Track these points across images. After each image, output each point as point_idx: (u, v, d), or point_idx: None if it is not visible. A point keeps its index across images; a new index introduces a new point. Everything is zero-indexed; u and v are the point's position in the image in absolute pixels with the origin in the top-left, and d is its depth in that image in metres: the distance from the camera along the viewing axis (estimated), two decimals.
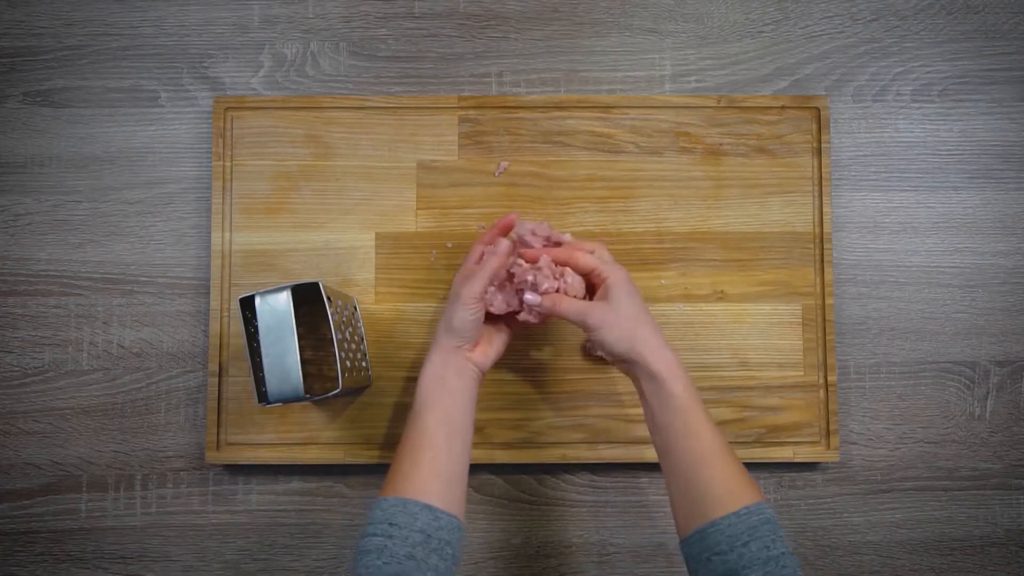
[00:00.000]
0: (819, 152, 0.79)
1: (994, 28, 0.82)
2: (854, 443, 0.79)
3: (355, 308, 0.76)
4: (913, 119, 0.82)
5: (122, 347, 0.78)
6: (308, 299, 0.67)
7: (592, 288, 0.67)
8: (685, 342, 0.77)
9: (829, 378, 0.77)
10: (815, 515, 0.79)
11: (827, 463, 0.79)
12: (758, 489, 0.57)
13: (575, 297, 0.66)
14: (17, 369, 0.78)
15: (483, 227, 0.78)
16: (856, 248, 0.80)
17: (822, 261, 0.78)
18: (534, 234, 0.68)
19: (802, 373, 0.77)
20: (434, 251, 0.78)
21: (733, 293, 0.78)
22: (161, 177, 0.80)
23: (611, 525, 0.78)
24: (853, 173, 0.81)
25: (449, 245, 0.78)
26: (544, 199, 0.78)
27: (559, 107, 0.79)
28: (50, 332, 0.78)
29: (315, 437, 0.76)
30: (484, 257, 0.66)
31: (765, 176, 0.79)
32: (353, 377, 0.70)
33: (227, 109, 0.78)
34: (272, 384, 0.62)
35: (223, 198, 0.78)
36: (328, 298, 0.66)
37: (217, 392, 0.76)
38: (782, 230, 0.78)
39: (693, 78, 0.82)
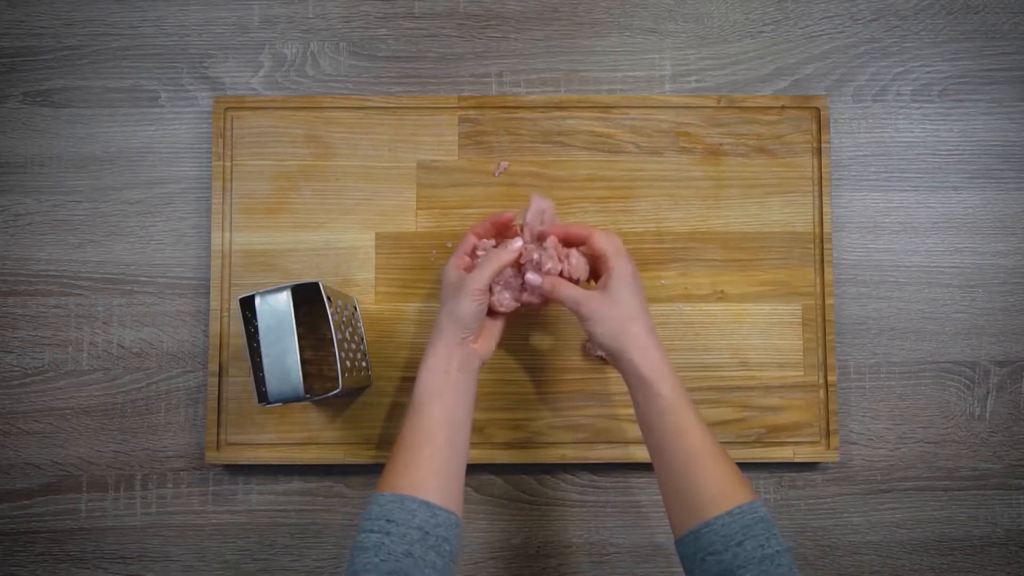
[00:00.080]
0: (819, 152, 0.79)
1: (994, 28, 0.82)
2: (854, 443, 0.79)
3: (355, 308, 0.76)
4: (913, 119, 0.82)
5: (122, 347, 0.78)
6: (308, 299, 0.67)
7: (597, 276, 0.67)
8: (685, 342, 0.78)
9: (829, 378, 0.77)
10: (815, 515, 0.79)
11: (827, 463, 0.79)
12: (751, 488, 0.57)
13: (578, 280, 0.66)
14: (17, 369, 0.78)
15: (509, 213, 0.76)
16: (856, 248, 0.80)
17: (822, 261, 0.78)
18: (542, 222, 0.67)
19: (802, 373, 0.77)
20: (434, 251, 0.78)
21: (733, 293, 0.78)
22: (161, 177, 0.80)
23: (611, 525, 0.78)
24: (853, 173, 0.81)
25: (449, 245, 0.78)
26: None
27: (559, 107, 0.79)
28: (50, 332, 0.78)
29: (315, 437, 0.76)
30: (493, 251, 0.65)
31: (765, 176, 0.79)
32: (353, 377, 0.70)
33: (227, 109, 0.78)
34: (272, 384, 0.62)
35: (223, 198, 0.78)
36: (328, 298, 0.66)
37: (217, 392, 0.76)
38: (782, 230, 0.78)
39: (693, 78, 0.82)
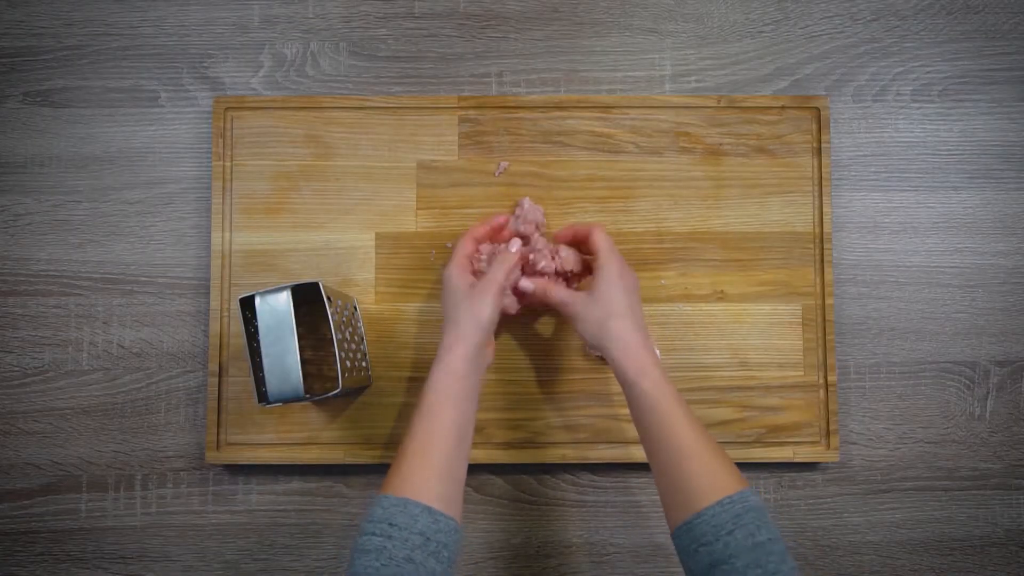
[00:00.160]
0: (819, 152, 0.79)
1: (994, 28, 0.82)
2: (854, 443, 0.79)
3: (355, 308, 0.76)
4: (913, 119, 0.82)
5: (122, 347, 0.78)
6: (308, 299, 0.67)
7: (589, 273, 0.71)
8: (685, 342, 0.78)
9: (829, 378, 0.77)
10: (815, 515, 0.79)
11: (827, 463, 0.79)
12: (742, 478, 0.57)
13: (571, 271, 0.71)
14: (17, 369, 0.78)
15: (497, 211, 0.77)
16: (856, 248, 0.80)
17: (822, 261, 0.78)
18: (527, 221, 0.74)
19: (802, 373, 0.77)
20: (434, 251, 0.78)
21: (733, 293, 0.78)
22: (161, 177, 0.80)
23: (611, 525, 0.78)
24: (853, 173, 0.81)
25: (449, 245, 0.78)
26: (544, 199, 0.78)
27: (559, 107, 0.79)
28: (50, 332, 0.78)
29: (315, 437, 0.76)
30: (500, 254, 0.68)
31: (765, 176, 0.79)
32: (353, 377, 0.70)
33: (227, 109, 0.78)
34: (272, 384, 0.62)
35: (223, 198, 0.78)
36: (328, 298, 0.66)
37: (217, 392, 0.76)
38: (782, 230, 0.78)
39: (693, 78, 0.82)
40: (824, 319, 0.77)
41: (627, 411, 0.76)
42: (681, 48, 0.82)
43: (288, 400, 0.63)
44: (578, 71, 0.81)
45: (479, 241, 0.71)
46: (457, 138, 0.79)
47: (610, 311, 0.64)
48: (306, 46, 0.81)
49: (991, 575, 0.79)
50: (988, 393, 0.80)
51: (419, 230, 0.78)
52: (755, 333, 0.78)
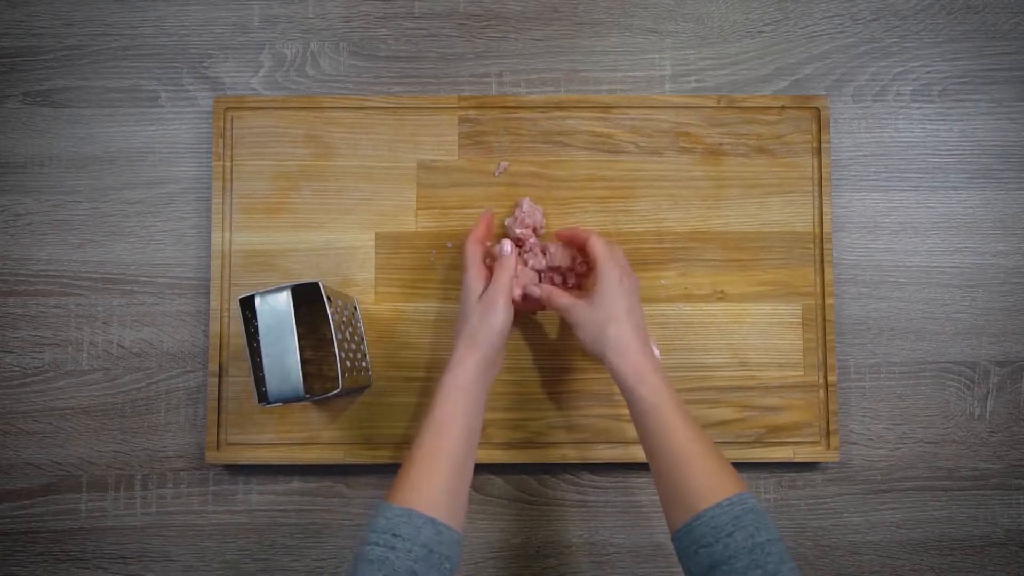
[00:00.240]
0: (819, 152, 0.79)
1: (994, 28, 0.82)
2: (854, 443, 0.79)
3: (355, 308, 0.76)
4: (913, 119, 0.82)
5: (122, 347, 0.78)
6: (308, 299, 0.67)
7: (585, 268, 0.73)
8: (685, 342, 0.78)
9: (829, 378, 0.77)
10: (815, 515, 0.79)
11: (827, 463, 0.79)
12: (740, 480, 0.57)
13: (560, 267, 0.73)
14: (17, 369, 0.78)
15: (484, 211, 0.77)
16: (856, 248, 0.80)
17: (822, 261, 0.78)
18: (524, 224, 0.75)
19: (802, 373, 0.77)
20: (434, 251, 0.78)
21: (733, 293, 0.78)
22: (161, 177, 0.80)
23: (611, 525, 0.78)
24: (853, 173, 0.81)
25: (449, 245, 0.78)
26: (544, 199, 0.78)
27: (559, 107, 0.79)
28: (50, 332, 0.78)
29: (315, 437, 0.76)
30: (498, 263, 0.69)
31: (765, 176, 0.79)
32: (353, 377, 0.70)
33: (227, 109, 0.78)
34: (272, 384, 0.62)
35: (223, 198, 0.78)
36: (328, 298, 0.66)
37: (217, 392, 0.76)
38: (782, 230, 0.78)
39: (693, 78, 0.82)
40: (824, 319, 0.77)
41: (628, 411, 0.76)
42: (681, 48, 0.82)
43: (288, 400, 0.63)
44: (578, 71, 0.81)
45: (484, 241, 0.72)
46: (457, 138, 0.79)
47: (608, 317, 0.64)
48: (306, 46, 0.81)
49: (991, 575, 0.79)
50: (988, 393, 0.80)
51: (419, 230, 0.78)
52: (755, 333, 0.78)
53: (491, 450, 0.76)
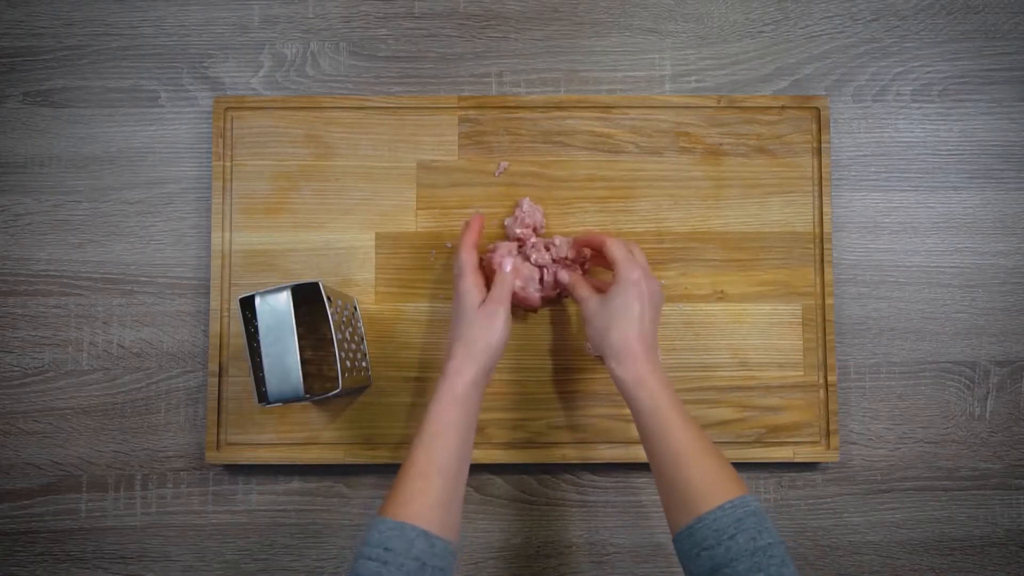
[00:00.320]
0: (819, 152, 0.79)
1: (994, 28, 0.82)
2: (854, 443, 0.79)
3: (355, 308, 0.76)
4: (913, 119, 0.82)
5: (122, 347, 0.78)
6: (308, 299, 0.67)
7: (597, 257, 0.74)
8: (685, 342, 0.78)
9: (829, 378, 0.77)
10: (815, 515, 0.79)
11: (827, 463, 0.79)
12: (742, 483, 0.57)
13: (566, 257, 0.73)
14: (17, 369, 0.78)
15: (476, 212, 0.77)
16: (856, 248, 0.80)
17: (822, 261, 0.78)
18: (524, 224, 0.75)
19: (802, 373, 0.77)
20: (434, 251, 0.78)
21: (733, 293, 0.78)
22: (161, 177, 0.80)
23: (611, 525, 0.78)
24: (853, 173, 0.81)
25: (449, 245, 0.78)
26: (544, 199, 0.78)
27: (559, 107, 0.79)
28: (50, 332, 0.78)
29: (315, 437, 0.76)
30: (501, 278, 0.70)
31: (765, 176, 0.79)
32: (353, 377, 0.70)
33: (227, 109, 0.78)
34: (272, 384, 0.62)
35: (223, 198, 0.78)
36: (328, 298, 0.66)
37: (217, 392, 0.76)
38: (782, 230, 0.78)
39: (693, 78, 0.82)
40: (824, 319, 0.77)
41: (626, 411, 0.76)
42: (681, 48, 0.82)
43: (288, 400, 0.63)
44: (578, 71, 0.81)
45: (476, 246, 0.71)
46: (457, 138, 0.79)
47: (612, 321, 0.64)
48: (306, 46, 0.81)
49: (991, 575, 0.79)
50: (988, 393, 0.80)
51: (419, 230, 0.78)
52: (755, 333, 0.78)
53: (491, 450, 0.76)
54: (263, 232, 0.78)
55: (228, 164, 0.78)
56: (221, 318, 0.76)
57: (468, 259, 0.69)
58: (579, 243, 0.73)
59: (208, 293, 0.78)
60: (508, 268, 0.70)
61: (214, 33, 0.81)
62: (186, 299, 0.79)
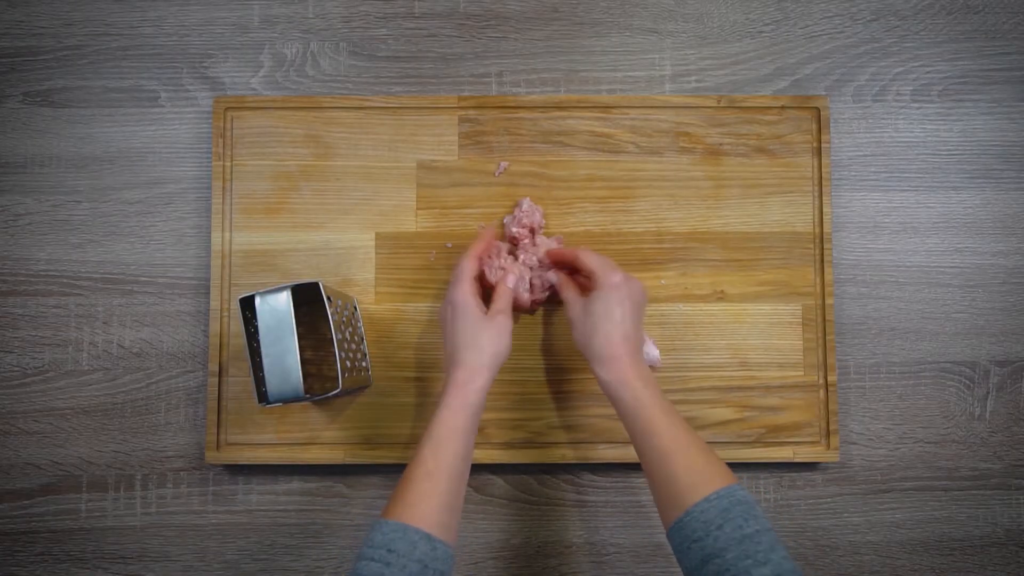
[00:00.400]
0: (819, 152, 0.79)
1: (994, 28, 0.82)
2: (854, 443, 0.79)
3: (355, 308, 0.76)
4: (913, 119, 0.82)
5: (122, 347, 0.78)
6: (308, 299, 0.67)
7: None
8: (685, 342, 0.78)
9: (829, 378, 0.77)
10: (815, 515, 0.79)
11: (827, 463, 0.79)
12: (730, 474, 0.58)
13: (541, 260, 0.74)
14: (17, 369, 0.78)
15: (483, 226, 0.78)
16: (856, 248, 0.80)
17: (822, 261, 0.78)
18: (521, 224, 0.75)
19: (802, 373, 0.77)
20: (434, 251, 0.78)
21: (733, 293, 0.78)
22: (161, 177, 0.80)
23: (611, 525, 0.78)
24: (853, 173, 0.81)
25: (449, 245, 0.78)
26: (544, 199, 0.78)
27: (559, 107, 0.79)
28: (50, 332, 0.78)
29: (315, 437, 0.76)
30: (503, 290, 0.70)
31: (765, 176, 0.79)
32: (353, 377, 0.70)
33: (227, 109, 0.78)
34: (272, 384, 0.62)
35: (223, 198, 0.78)
36: (328, 298, 0.66)
37: (217, 392, 0.76)
38: (782, 230, 0.78)
39: (693, 78, 0.82)
40: (824, 319, 0.77)
41: None
42: (681, 48, 0.82)
43: (288, 400, 0.63)
44: (578, 71, 0.81)
45: (482, 258, 0.72)
46: (457, 138, 0.79)
47: (595, 326, 0.64)
48: (306, 46, 0.81)
49: (991, 575, 0.79)
50: (988, 393, 0.80)
51: (419, 230, 0.78)
52: (755, 333, 0.78)
53: (491, 450, 0.76)
54: (263, 232, 0.78)
55: (228, 164, 0.78)
56: (221, 318, 0.76)
57: (471, 267, 0.69)
58: (553, 259, 0.73)
59: (208, 293, 0.78)
60: (511, 284, 0.71)
61: (214, 33, 0.81)
62: (186, 299, 0.79)
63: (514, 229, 0.75)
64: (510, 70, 0.81)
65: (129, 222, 0.79)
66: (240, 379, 0.76)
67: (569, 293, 0.70)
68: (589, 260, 0.68)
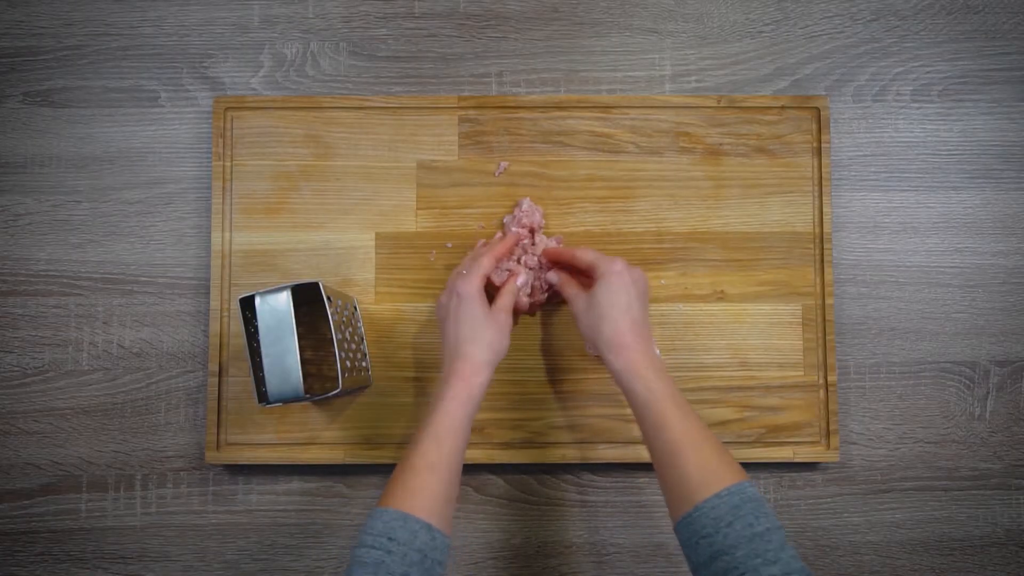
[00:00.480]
0: (819, 152, 0.79)
1: (994, 28, 0.82)
2: (854, 443, 0.79)
3: (355, 308, 0.76)
4: (913, 119, 0.82)
5: (122, 347, 0.78)
6: (308, 299, 0.67)
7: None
8: (685, 342, 0.78)
9: (829, 378, 0.77)
10: (815, 515, 0.79)
11: (827, 463, 0.79)
12: (740, 470, 0.58)
13: (539, 258, 0.74)
14: (17, 369, 0.78)
15: (483, 227, 0.78)
16: (856, 248, 0.80)
17: (822, 261, 0.78)
18: (521, 224, 0.75)
19: (802, 373, 0.77)
20: (434, 251, 0.78)
21: (733, 293, 0.78)
22: (161, 177, 0.80)
23: (611, 525, 0.78)
24: (853, 173, 0.81)
25: (449, 245, 0.78)
26: (544, 199, 0.78)
27: (559, 107, 0.79)
28: (50, 332, 0.78)
29: (315, 437, 0.76)
30: (508, 287, 0.70)
31: (765, 176, 0.79)
32: (353, 377, 0.70)
33: (227, 109, 0.78)
34: (272, 384, 0.62)
35: (223, 198, 0.78)
36: (328, 298, 0.66)
37: (217, 392, 0.76)
38: (782, 230, 0.78)
39: (693, 78, 0.82)
40: (824, 319, 0.77)
41: (627, 411, 0.76)
42: (681, 48, 0.82)
43: (288, 400, 0.63)
44: (578, 71, 0.81)
45: (500, 261, 0.72)
46: (457, 138, 0.79)
47: (603, 314, 0.64)
48: (306, 46, 0.81)
49: (991, 575, 0.79)
50: (988, 393, 0.80)
51: (419, 230, 0.78)
52: (755, 333, 0.78)
53: (491, 450, 0.76)
54: (263, 232, 0.78)
55: (228, 164, 0.78)
56: (221, 318, 0.76)
57: (488, 265, 0.68)
58: (550, 258, 0.73)
59: (208, 293, 0.78)
60: (522, 281, 0.71)
61: (214, 33, 0.81)
62: (186, 299, 0.79)
63: (514, 229, 0.75)
64: (510, 70, 0.81)
65: (129, 222, 0.79)
66: (240, 379, 0.76)
67: (571, 289, 0.70)
68: (586, 254, 0.68)
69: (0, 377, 0.78)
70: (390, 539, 0.54)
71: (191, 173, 0.80)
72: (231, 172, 0.78)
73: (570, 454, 0.76)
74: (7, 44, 0.81)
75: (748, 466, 0.78)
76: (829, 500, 0.79)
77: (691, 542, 0.55)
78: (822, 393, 0.77)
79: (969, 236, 0.81)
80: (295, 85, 0.81)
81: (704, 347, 0.78)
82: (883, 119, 0.81)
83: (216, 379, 0.76)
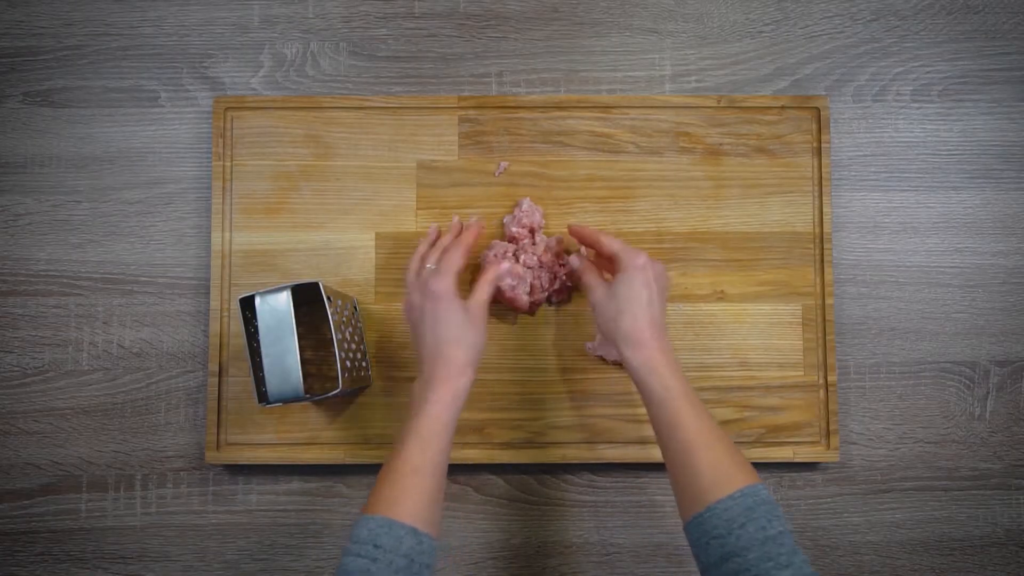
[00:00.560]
0: (819, 152, 0.79)
1: (994, 28, 0.82)
2: (854, 443, 0.79)
3: (355, 308, 0.76)
4: (913, 119, 0.82)
5: (122, 347, 0.78)
6: (308, 299, 0.67)
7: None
8: (685, 342, 0.77)
9: (829, 378, 0.77)
10: (815, 515, 0.79)
11: (827, 463, 0.79)
12: (753, 472, 0.58)
13: (543, 253, 0.74)
14: (17, 369, 0.78)
15: (474, 218, 0.77)
16: (856, 248, 0.80)
17: (822, 261, 0.78)
18: (521, 224, 0.75)
19: (802, 373, 0.77)
20: None
21: (733, 293, 0.78)
22: (161, 177, 0.80)
23: (611, 525, 0.78)
24: (853, 173, 0.81)
25: None
26: (544, 199, 0.78)
27: (559, 107, 0.79)
28: (50, 332, 0.78)
29: (315, 437, 0.76)
30: (489, 273, 0.69)
31: (765, 176, 0.79)
32: (353, 377, 0.70)
33: (227, 109, 0.78)
34: (272, 384, 0.62)
35: (223, 198, 0.78)
36: (328, 298, 0.66)
37: (217, 392, 0.76)
38: (782, 230, 0.78)
39: (693, 78, 0.82)
40: (824, 319, 0.77)
41: (627, 411, 0.77)
42: (681, 48, 0.82)
43: (288, 400, 0.63)
44: (578, 71, 0.81)
45: (469, 252, 0.70)
46: (457, 138, 0.79)
47: (622, 308, 0.64)
48: (306, 46, 0.81)
49: (991, 575, 0.79)
50: (988, 393, 0.80)
51: (419, 230, 0.78)
52: (755, 333, 0.78)
53: (491, 450, 0.76)
54: (263, 232, 0.78)
55: (228, 164, 0.78)
56: (221, 318, 0.76)
57: (452, 262, 0.66)
58: (575, 235, 0.72)
59: (208, 293, 0.78)
60: (504, 267, 0.70)
61: (214, 33, 0.81)
62: (186, 299, 0.79)
63: (514, 229, 0.75)
64: (510, 70, 0.81)
65: (129, 222, 0.79)
66: (240, 379, 0.76)
67: (591, 277, 0.69)
68: (611, 243, 0.68)
69: (0, 377, 0.78)
70: (376, 546, 0.54)
71: (191, 173, 0.80)
72: (231, 172, 0.78)
73: (570, 454, 0.76)
74: (7, 44, 0.81)
75: None
76: (829, 500, 0.79)
77: (702, 542, 0.55)
78: (822, 393, 0.77)
79: (969, 236, 0.81)
80: (295, 85, 0.81)
81: (704, 347, 0.78)
82: (883, 119, 0.81)
83: (216, 379, 0.76)
